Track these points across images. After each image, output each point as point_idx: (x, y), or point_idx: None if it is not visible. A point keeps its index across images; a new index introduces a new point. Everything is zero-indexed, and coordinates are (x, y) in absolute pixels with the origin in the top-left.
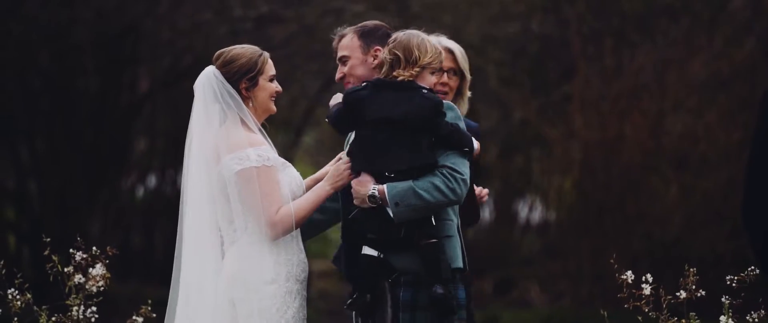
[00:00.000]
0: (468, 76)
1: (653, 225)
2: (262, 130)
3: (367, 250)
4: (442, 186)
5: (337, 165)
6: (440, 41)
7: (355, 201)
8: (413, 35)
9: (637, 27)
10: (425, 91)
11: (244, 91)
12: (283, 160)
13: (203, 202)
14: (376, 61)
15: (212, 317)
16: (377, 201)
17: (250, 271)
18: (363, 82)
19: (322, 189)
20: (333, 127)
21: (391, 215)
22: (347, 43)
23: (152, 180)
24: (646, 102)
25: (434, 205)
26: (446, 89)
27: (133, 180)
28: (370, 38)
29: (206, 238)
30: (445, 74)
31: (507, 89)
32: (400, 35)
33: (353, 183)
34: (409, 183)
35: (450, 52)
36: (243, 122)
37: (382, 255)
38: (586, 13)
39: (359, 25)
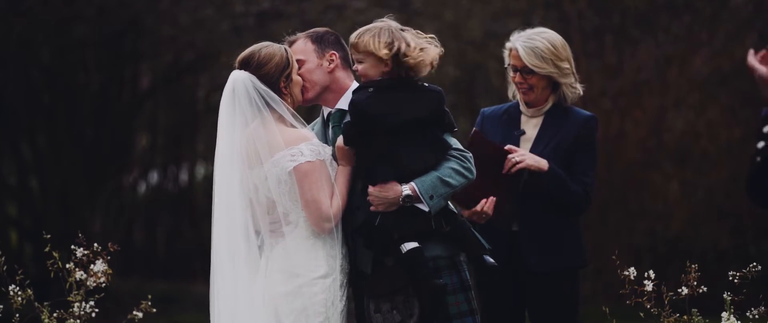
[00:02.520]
0: (553, 70)
1: (655, 221)
2: (303, 121)
3: (408, 245)
4: (460, 168)
5: (338, 144)
6: (513, 42)
7: (377, 208)
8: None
9: (638, 23)
10: (426, 84)
11: (283, 89)
12: (329, 149)
13: (236, 204)
14: (331, 65)
15: (259, 312)
16: (412, 201)
17: (304, 265)
18: (367, 84)
19: (346, 170)
20: (351, 144)
21: (427, 209)
22: (301, 47)
23: (154, 177)
24: (648, 98)
25: (458, 188)
26: (526, 87)
27: (135, 177)
28: (323, 43)
29: (241, 238)
30: (518, 73)
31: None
32: (386, 28)
33: (374, 190)
34: (434, 173)
35: (517, 51)
36: (280, 119)
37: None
38: (587, 10)
39: (309, 30)
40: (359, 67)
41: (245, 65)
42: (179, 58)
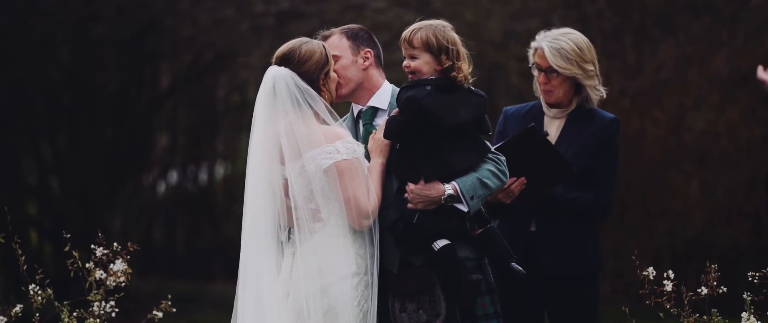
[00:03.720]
0: (577, 72)
1: (675, 221)
2: (337, 117)
3: (440, 242)
4: (497, 172)
5: (373, 139)
6: (538, 41)
7: (416, 206)
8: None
9: (658, 23)
10: (472, 88)
11: (322, 86)
12: (362, 148)
13: (268, 198)
14: (366, 63)
15: (285, 309)
16: (453, 200)
17: (334, 263)
18: (424, 82)
19: (378, 166)
20: (394, 139)
21: (467, 209)
22: (336, 42)
23: (173, 177)
24: (667, 98)
25: (494, 191)
26: (549, 87)
27: (154, 177)
28: (358, 40)
29: (271, 233)
30: (542, 74)
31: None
32: (442, 26)
33: (417, 189)
34: (473, 175)
35: (543, 50)
36: (315, 115)
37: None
38: (607, 10)
39: (343, 26)
40: (412, 62)
41: (285, 61)
42: (199, 58)
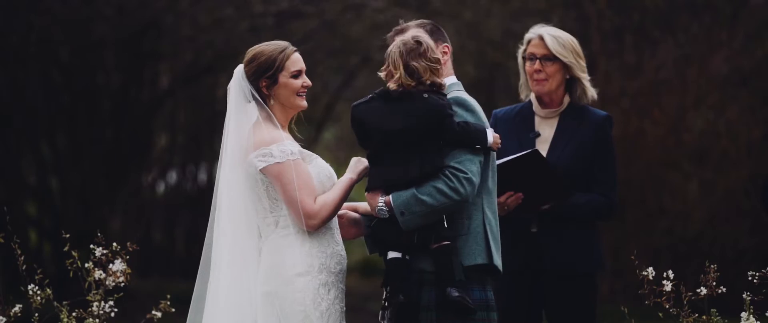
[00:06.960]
0: (573, 61)
1: (674, 221)
2: (282, 127)
3: (391, 254)
4: (445, 189)
5: (355, 160)
6: (535, 31)
7: (371, 212)
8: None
9: (658, 23)
10: (426, 96)
11: (264, 90)
12: (309, 152)
13: (235, 199)
14: (445, 58)
15: (249, 311)
16: (387, 213)
17: (282, 264)
18: (374, 92)
19: (346, 179)
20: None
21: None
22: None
23: (173, 176)
24: (667, 98)
25: (440, 208)
26: (543, 76)
27: (154, 176)
28: (435, 35)
29: (243, 233)
30: (538, 61)
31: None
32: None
33: (366, 196)
34: (412, 190)
35: (541, 38)
36: (271, 119)
37: (407, 257)
38: (607, 9)
39: (420, 21)
40: (383, 71)
41: (245, 58)
42: (198, 58)
